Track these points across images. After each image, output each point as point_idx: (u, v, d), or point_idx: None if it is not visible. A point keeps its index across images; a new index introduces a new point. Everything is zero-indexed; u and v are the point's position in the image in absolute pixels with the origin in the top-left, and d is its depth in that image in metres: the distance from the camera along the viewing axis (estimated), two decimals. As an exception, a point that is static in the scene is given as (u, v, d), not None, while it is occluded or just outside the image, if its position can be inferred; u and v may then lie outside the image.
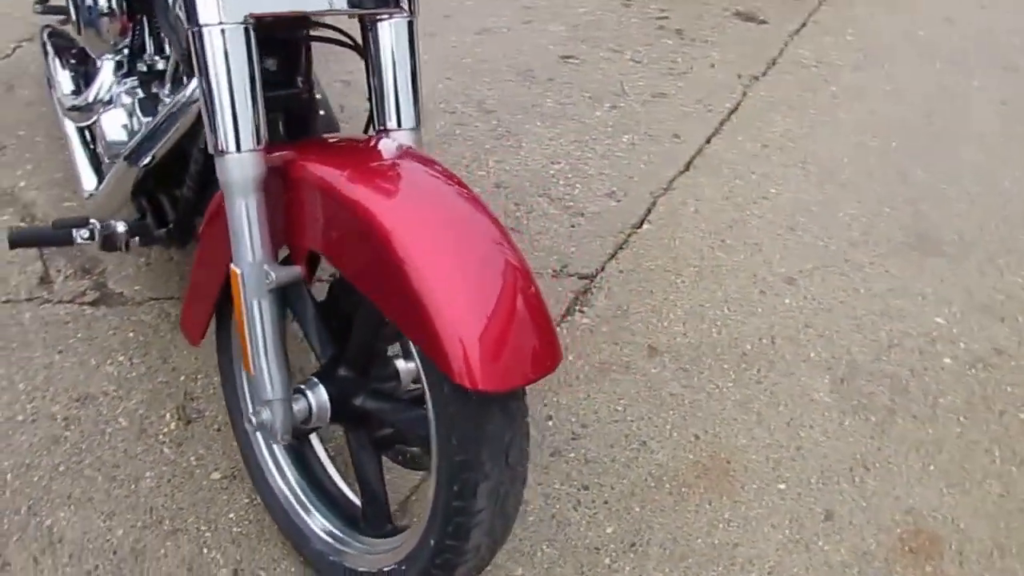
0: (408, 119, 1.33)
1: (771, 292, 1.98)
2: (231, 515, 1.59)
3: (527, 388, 1.24)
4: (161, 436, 1.71)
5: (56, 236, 1.49)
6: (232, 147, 1.18)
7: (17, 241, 1.49)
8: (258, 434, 1.49)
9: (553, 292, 1.98)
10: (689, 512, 1.57)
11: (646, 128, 2.46)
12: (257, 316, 1.24)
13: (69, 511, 1.59)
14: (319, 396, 1.30)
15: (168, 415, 1.75)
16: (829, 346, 1.86)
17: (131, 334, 1.89)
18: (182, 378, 1.81)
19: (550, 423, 1.72)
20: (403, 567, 1.27)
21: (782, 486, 1.61)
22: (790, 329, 1.89)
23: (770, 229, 2.14)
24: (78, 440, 1.70)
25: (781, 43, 2.84)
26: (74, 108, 1.83)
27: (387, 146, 1.28)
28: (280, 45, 1.39)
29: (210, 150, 1.20)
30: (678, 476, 1.62)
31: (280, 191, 1.24)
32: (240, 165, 1.18)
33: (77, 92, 1.88)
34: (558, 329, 1.90)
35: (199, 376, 1.80)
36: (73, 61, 1.90)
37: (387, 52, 1.30)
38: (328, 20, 1.41)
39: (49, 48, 2.01)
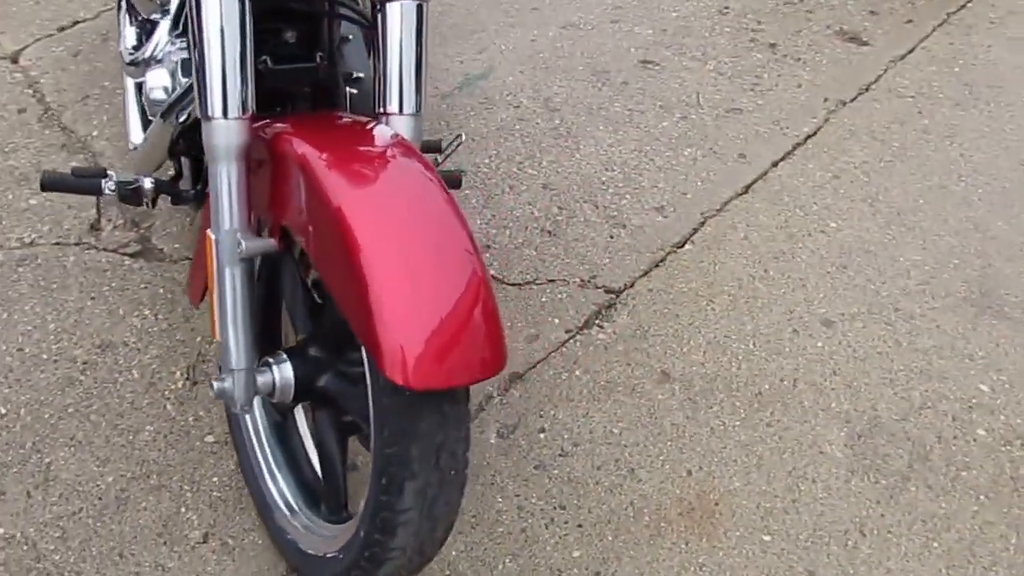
0: (409, 104, 1.33)
1: (804, 332, 1.90)
2: (215, 479, 1.64)
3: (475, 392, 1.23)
4: (167, 393, 1.78)
5: (82, 184, 1.56)
6: (217, 113, 1.21)
7: (47, 184, 1.56)
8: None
9: (575, 302, 1.95)
10: (663, 549, 1.53)
11: (712, 144, 2.39)
12: (228, 284, 1.27)
13: (68, 452, 1.67)
14: (284, 372, 1.32)
15: (178, 373, 1.81)
16: (854, 398, 1.77)
17: (161, 290, 1.97)
18: (199, 339, 1.87)
19: (542, 435, 1.70)
20: (340, 556, 1.28)
21: (767, 538, 1.54)
22: (815, 374, 1.81)
23: (820, 266, 2.05)
24: (91, 385, 1.78)
25: (880, 68, 2.69)
26: (131, 63, 1.91)
27: (379, 132, 1.29)
28: (299, 18, 1.41)
29: (197, 113, 1.23)
30: (660, 510, 1.58)
31: (265, 163, 1.26)
32: (223, 131, 1.21)
33: (136, 48, 1.95)
34: (572, 341, 1.87)
35: (214, 340, 1.85)
36: (140, 18, 1.97)
37: (394, 35, 1.31)
38: None
39: (122, 2, 2.10)
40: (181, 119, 1.60)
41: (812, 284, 2.01)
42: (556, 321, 1.92)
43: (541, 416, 1.74)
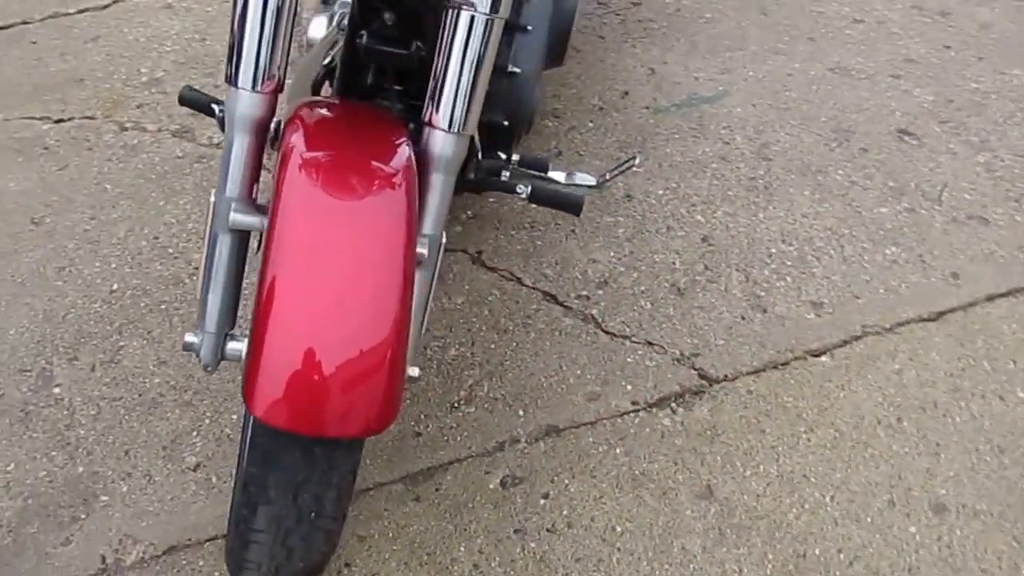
0: (457, 123, 1.27)
1: (902, 509, 1.59)
2: (234, 416, 1.73)
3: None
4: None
5: (204, 106, 1.65)
6: (235, 81, 1.22)
7: (184, 99, 1.68)
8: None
9: (659, 375, 1.79)
10: None
11: (926, 251, 2.03)
12: (215, 249, 1.30)
13: (140, 343, 1.85)
14: None
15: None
16: (917, 611, 1.46)
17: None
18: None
19: (542, 501, 1.60)
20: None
21: None
22: (884, 563, 1.51)
23: (970, 437, 1.69)
24: (189, 290, 1.94)
25: None
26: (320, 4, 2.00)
27: (386, 143, 1.24)
28: (400, 3, 1.38)
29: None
30: (612, 635, 1.43)
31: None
32: (236, 100, 1.23)
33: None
34: (631, 416, 1.72)
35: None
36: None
37: (459, 46, 1.24)
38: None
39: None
40: (325, 61, 1.65)
41: (948, 456, 1.66)
42: (628, 388, 1.77)
43: (553, 481, 1.63)
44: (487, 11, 1.24)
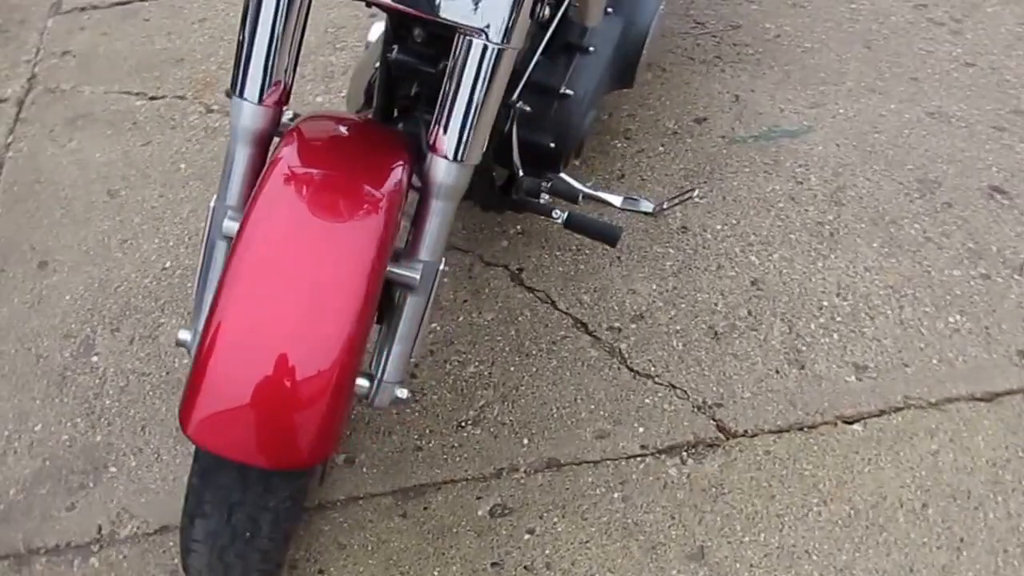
0: (460, 151, 1.25)
1: (908, 603, 1.47)
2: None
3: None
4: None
5: None
6: (236, 90, 1.24)
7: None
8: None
9: (675, 422, 1.72)
10: None
11: (994, 323, 1.88)
12: (211, 254, 1.32)
13: (177, 321, 1.91)
14: None
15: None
16: None
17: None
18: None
19: (527, 536, 1.57)
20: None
21: None
22: (874, 659, 1.41)
23: (998, 539, 1.55)
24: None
25: None
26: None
27: (382, 162, 1.23)
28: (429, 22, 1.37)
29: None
30: None
31: None
32: (240, 111, 1.25)
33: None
34: (637, 461, 1.67)
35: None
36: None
37: (467, 73, 1.22)
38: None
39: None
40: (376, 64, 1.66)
41: (971, 555, 1.53)
42: (640, 430, 1.71)
43: (542, 517, 1.59)
44: (498, 41, 1.21)
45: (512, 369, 1.81)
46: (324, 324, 1.05)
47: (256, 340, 1.04)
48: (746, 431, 1.71)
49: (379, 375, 1.37)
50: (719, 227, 2.08)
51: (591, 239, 1.80)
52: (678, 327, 1.88)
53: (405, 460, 1.67)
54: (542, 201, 1.79)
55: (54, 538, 1.57)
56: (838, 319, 1.89)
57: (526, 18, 1.24)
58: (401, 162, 1.25)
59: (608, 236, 1.75)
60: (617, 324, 1.89)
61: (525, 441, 1.70)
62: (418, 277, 1.30)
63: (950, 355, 1.83)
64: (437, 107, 1.26)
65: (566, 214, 1.75)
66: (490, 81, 1.25)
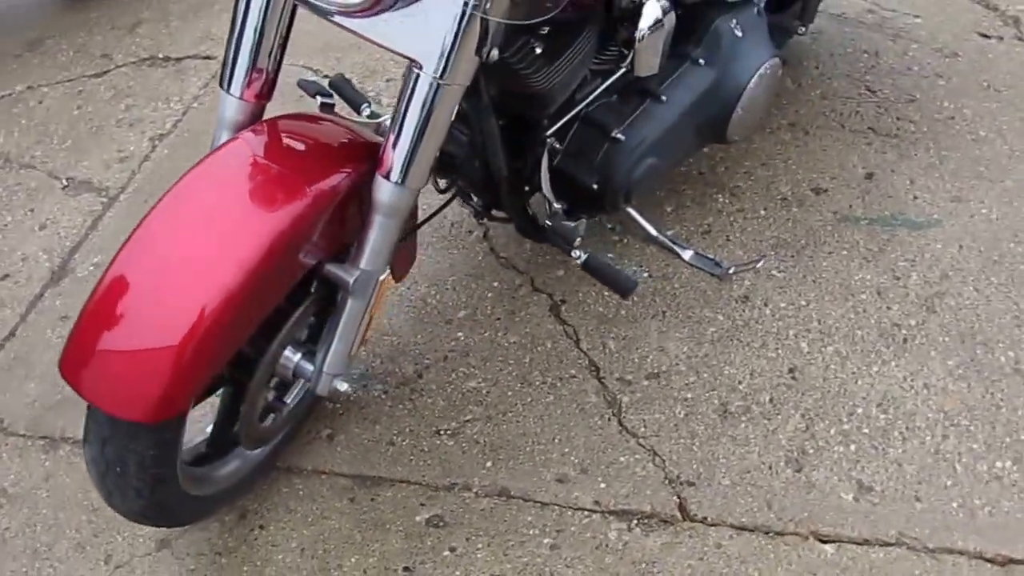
0: (391, 171, 1.33)
1: None
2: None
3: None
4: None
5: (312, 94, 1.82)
6: (225, 86, 1.39)
7: (301, 85, 1.87)
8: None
9: (642, 490, 1.69)
10: None
11: (1055, 483, 1.64)
12: None
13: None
14: None
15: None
16: None
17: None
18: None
19: (446, 554, 1.62)
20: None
21: None
22: None
23: None
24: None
25: None
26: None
27: (324, 166, 1.33)
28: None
29: None
30: None
31: None
32: (225, 104, 1.40)
33: None
34: (587, 515, 1.65)
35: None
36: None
37: (413, 105, 1.30)
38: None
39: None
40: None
41: None
42: (601, 486, 1.69)
43: (469, 539, 1.63)
44: (437, 76, 1.28)
45: (510, 394, 1.84)
46: (187, 298, 1.18)
47: (125, 301, 1.19)
48: (706, 518, 1.63)
49: (319, 365, 1.49)
50: (783, 305, 1.97)
51: (604, 285, 1.78)
52: (689, 395, 1.82)
53: (376, 451, 1.77)
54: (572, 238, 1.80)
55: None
56: (865, 430, 1.73)
57: (470, 57, 1.29)
58: (350, 170, 1.35)
59: (620, 286, 1.73)
60: (630, 377, 1.86)
61: (488, 464, 1.73)
62: (351, 281, 1.40)
63: (977, 502, 1.62)
64: (393, 136, 1.34)
65: (586, 255, 1.75)
66: (430, 114, 1.31)
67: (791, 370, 1.85)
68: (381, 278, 1.44)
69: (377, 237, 1.39)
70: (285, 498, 1.71)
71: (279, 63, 1.43)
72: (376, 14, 1.26)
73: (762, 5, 2.08)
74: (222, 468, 1.58)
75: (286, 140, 1.39)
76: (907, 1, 2.82)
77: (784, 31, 2.15)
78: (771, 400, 1.80)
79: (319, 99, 1.61)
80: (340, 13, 1.29)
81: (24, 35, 2.83)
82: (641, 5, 1.62)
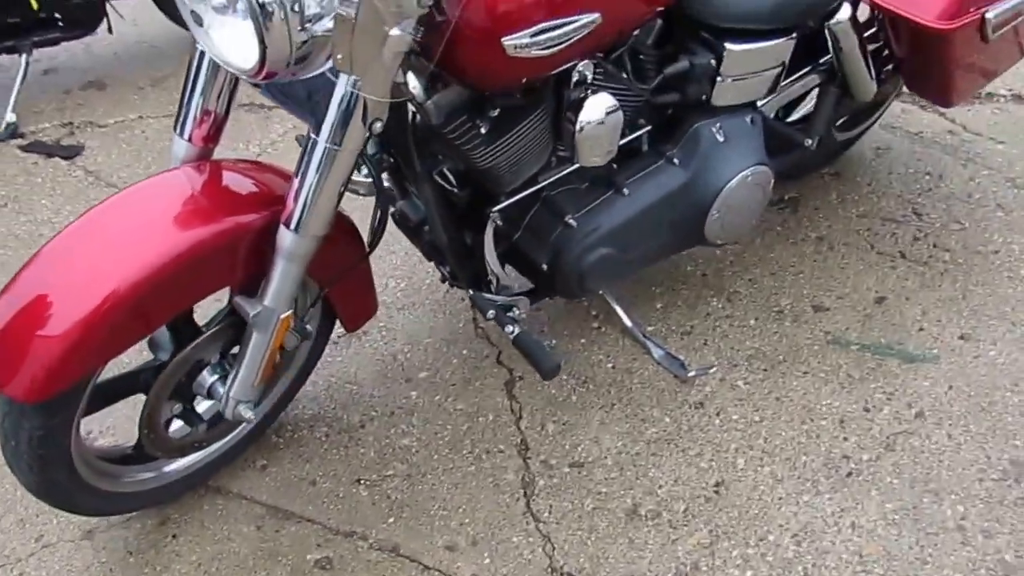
0: (288, 219, 1.48)
1: None
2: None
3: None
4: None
5: None
6: (176, 129, 1.59)
7: None
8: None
9: (520, 574, 1.69)
10: None
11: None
12: None
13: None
14: None
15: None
16: None
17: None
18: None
19: (319, 596, 1.69)
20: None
21: None
22: None
23: None
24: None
25: None
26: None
27: (232, 210, 1.50)
28: None
29: None
30: None
31: None
32: (174, 144, 1.60)
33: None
34: (456, 584, 1.69)
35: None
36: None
37: (312, 160, 1.45)
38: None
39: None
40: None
41: None
42: (486, 562, 1.72)
43: (344, 587, 1.70)
44: (327, 141, 1.42)
45: (436, 458, 1.91)
46: (75, 298, 1.37)
47: (29, 293, 1.40)
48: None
49: (227, 389, 1.64)
50: (736, 417, 1.93)
51: (528, 363, 1.82)
52: (604, 490, 1.81)
53: (297, 487, 1.88)
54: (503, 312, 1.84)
55: None
56: (769, 558, 1.67)
57: (357, 127, 1.41)
58: (264, 213, 1.50)
59: (542, 367, 1.77)
60: (554, 461, 1.88)
61: (391, 520, 1.80)
62: (252, 314, 1.54)
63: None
64: (296, 188, 1.48)
65: (519, 331, 1.80)
66: (323, 174, 1.44)
67: (717, 484, 1.81)
68: (282, 316, 1.57)
69: (279, 278, 1.53)
70: (205, 514, 1.85)
71: (227, 112, 1.61)
72: (269, 79, 1.40)
73: (769, 114, 2.08)
74: (137, 474, 1.74)
75: (214, 179, 1.57)
76: (998, 126, 2.71)
77: (790, 142, 2.12)
78: (685, 510, 1.77)
79: None
80: (245, 79, 1.45)
81: (152, 72, 3.23)
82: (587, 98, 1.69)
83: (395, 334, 2.18)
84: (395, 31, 1.32)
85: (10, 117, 2.95)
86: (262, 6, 1.26)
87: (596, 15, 1.54)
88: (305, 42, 1.32)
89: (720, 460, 1.85)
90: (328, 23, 1.32)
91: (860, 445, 1.85)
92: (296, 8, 1.28)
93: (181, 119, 1.59)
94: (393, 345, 2.16)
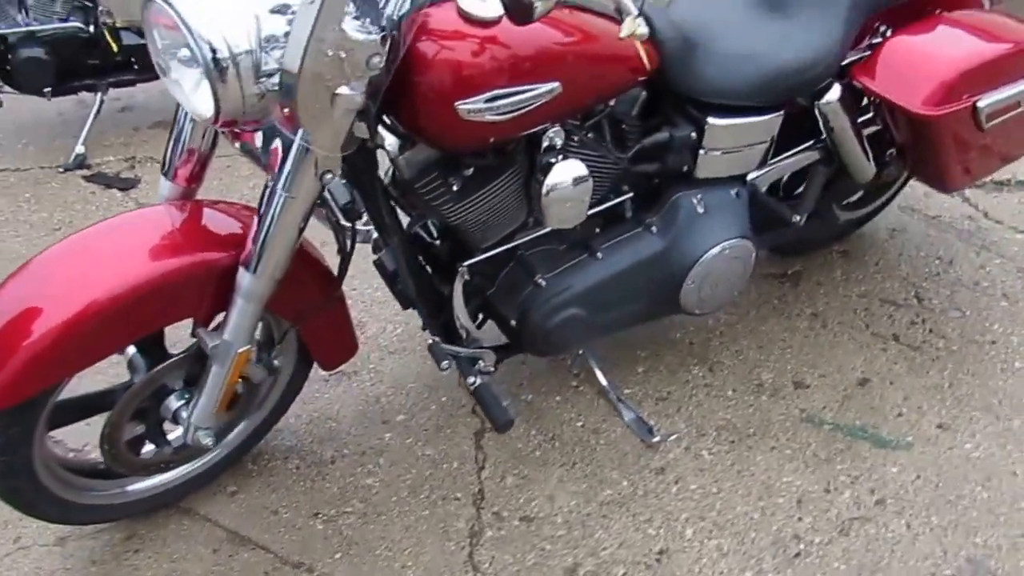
0: (250, 261, 1.57)
1: None
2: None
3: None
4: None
5: None
6: (163, 170, 1.71)
7: None
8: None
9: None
10: None
11: None
12: None
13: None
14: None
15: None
16: None
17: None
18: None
19: (257, 622, 1.76)
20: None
21: None
22: None
23: None
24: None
25: None
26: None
27: (200, 246, 1.60)
28: None
29: None
30: None
31: None
32: (161, 184, 1.72)
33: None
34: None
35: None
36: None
37: (268, 211, 1.55)
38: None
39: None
40: None
41: None
42: (419, 605, 1.75)
43: (282, 616, 1.75)
44: (282, 190, 1.51)
45: (393, 500, 1.96)
46: (42, 315, 1.48)
47: (7, 304, 1.52)
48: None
49: (188, 415, 1.73)
50: (693, 487, 1.93)
51: (484, 415, 1.86)
52: (548, 547, 1.83)
53: (260, 515, 1.95)
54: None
55: None
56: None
57: (310, 178, 1.49)
58: (223, 254, 1.60)
59: (495, 421, 1.81)
60: (506, 514, 1.91)
61: (338, 555, 1.85)
62: (210, 346, 1.63)
63: None
64: (257, 233, 1.58)
65: (479, 383, 1.85)
66: (278, 220, 1.53)
67: (661, 552, 1.81)
68: (240, 350, 1.66)
69: (236, 315, 1.62)
70: (169, 533, 1.93)
71: (209, 155, 1.72)
72: (228, 128, 1.51)
73: (763, 188, 2.10)
74: (103, 488, 1.85)
75: (192, 217, 1.68)
76: (1022, 215, 2.65)
77: (778, 219, 2.13)
78: (623, 575, 1.77)
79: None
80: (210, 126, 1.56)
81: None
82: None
83: (383, 376, 2.25)
84: (344, 89, 1.41)
85: (80, 148, 3.16)
86: (215, 61, 1.37)
87: (555, 84, 1.60)
88: (260, 95, 1.43)
89: (669, 528, 1.85)
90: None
91: (814, 527, 1.83)
92: (250, 64, 1.39)
93: (167, 162, 1.72)
94: (379, 387, 2.23)
